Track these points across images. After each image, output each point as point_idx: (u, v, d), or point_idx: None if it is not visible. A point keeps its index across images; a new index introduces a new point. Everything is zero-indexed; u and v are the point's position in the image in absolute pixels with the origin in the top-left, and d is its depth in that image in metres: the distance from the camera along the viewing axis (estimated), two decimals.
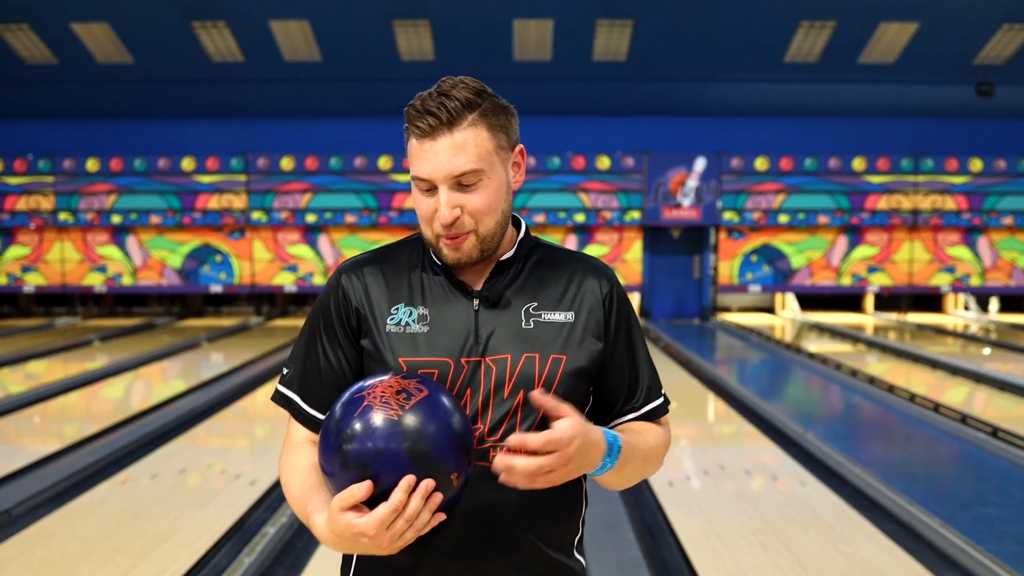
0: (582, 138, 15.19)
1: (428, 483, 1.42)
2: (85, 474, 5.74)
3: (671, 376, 9.70)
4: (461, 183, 1.60)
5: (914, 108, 15.13)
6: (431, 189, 1.62)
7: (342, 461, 1.44)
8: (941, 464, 6.54)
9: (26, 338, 12.88)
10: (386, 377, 1.50)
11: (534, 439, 1.44)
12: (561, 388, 1.64)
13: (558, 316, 1.67)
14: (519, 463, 1.43)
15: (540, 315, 1.67)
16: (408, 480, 1.41)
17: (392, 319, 1.67)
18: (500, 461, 1.44)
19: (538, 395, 1.51)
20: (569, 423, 1.47)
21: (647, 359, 1.78)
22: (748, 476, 5.79)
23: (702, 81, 14.80)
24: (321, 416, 1.69)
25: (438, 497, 1.44)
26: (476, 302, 1.67)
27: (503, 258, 1.70)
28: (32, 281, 15.55)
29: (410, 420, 1.43)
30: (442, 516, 1.47)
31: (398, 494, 1.40)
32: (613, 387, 1.73)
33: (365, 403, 1.45)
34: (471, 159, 1.59)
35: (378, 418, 1.43)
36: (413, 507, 1.41)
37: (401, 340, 1.64)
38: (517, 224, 1.76)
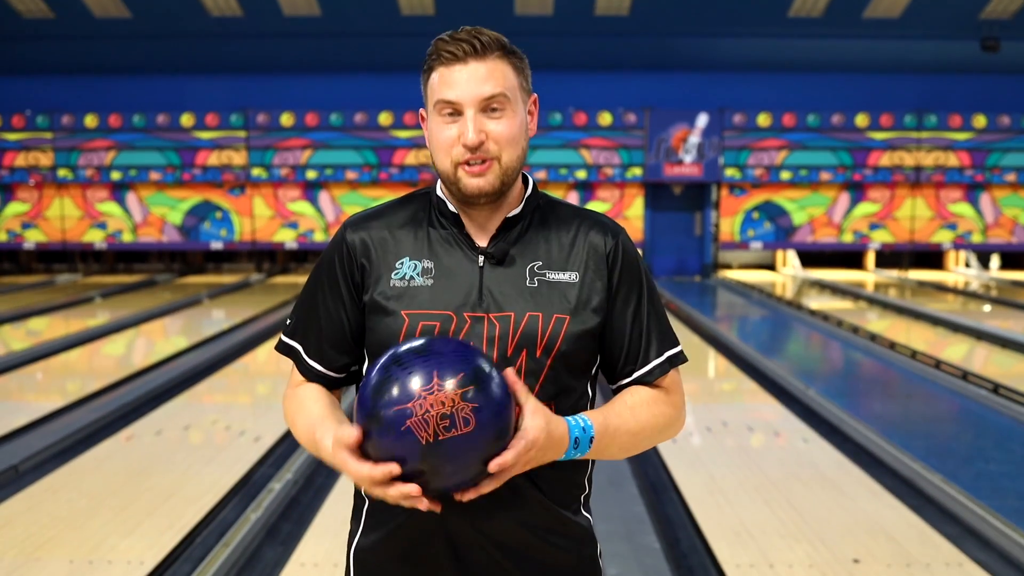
0: (584, 94, 15.08)
1: (411, 490, 1.40)
2: (90, 430, 5.77)
3: None
4: (489, 107, 1.61)
5: (918, 64, 15.01)
6: (455, 114, 1.61)
7: (370, 426, 1.42)
8: (942, 420, 6.57)
9: (27, 295, 12.88)
10: (445, 386, 1.38)
11: (511, 458, 1.42)
12: (564, 348, 1.64)
13: (563, 276, 1.66)
14: (497, 479, 1.44)
15: (545, 274, 1.66)
16: (390, 469, 1.39)
17: (396, 273, 1.67)
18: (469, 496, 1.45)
19: (511, 374, 1.48)
20: (533, 424, 1.46)
21: (656, 316, 1.74)
22: (750, 432, 5.81)
23: (705, 36, 14.68)
24: (321, 368, 1.72)
25: (422, 502, 1.42)
26: (481, 258, 1.66)
27: (510, 215, 1.69)
28: (32, 238, 15.53)
29: (435, 453, 1.38)
30: (437, 507, 1.44)
31: (380, 471, 1.40)
32: (616, 346, 1.71)
33: (408, 405, 1.38)
34: (500, 84, 1.61)
35: (407, 429, 1.37)
36: (392, 493, 1.41)
37: (405, 293, 1.64)
38: (524, 181, 1.75)
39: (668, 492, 4.74)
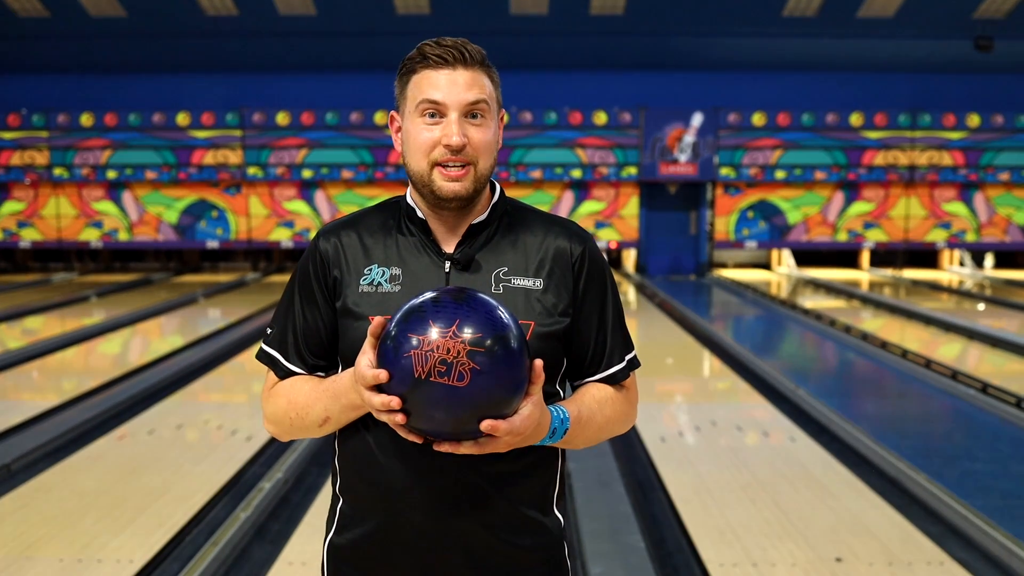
0: (579, 93, 15.10)
1: (396, 417, 1.47)
2: (83, 429, 5.80)
3: (666, 333, 9.75)
4: (471, 113, 1.66)
5: (912, 63, 15.04)
6: (436, 116, 1.66)
7: (385, 339, 1.48)
8: (931, 420, 6.60)
9: (23, 293, 12.91)
10: (460, 336, 1.43)
11: (503, 427, 1.47)
12: (530, 353, 1.67)
13: (527, 282, 1.71)
14: (480, 445, 1.51)
15: (510, 280, 1.71)
16: (389, 400, 1.46)
17: (365, 279, 1.71)
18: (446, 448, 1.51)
19: (539, 365, 1.53)
20: (529, 412, 1.51)
21: (617, 323, 1.80)
22: (740, 432, 5.84)
23: (700, 35, 14.70)
24: (299, 370, 1.76)
25: (403, 430, 1.50)
26: (447, 264, 1.70)
27: (476, 221, 1.73)
28: (28, 236, 15.55)
29: (421, 390, 1.43)
30: (418, 439, 1.51)
31: (380, 398, 1.46)
32: (580, 350, 1.76)
33: (420, 337, 1.43)
34: (483, 92, 1.67)
35: (408, 357, 1.43)
36: (384, 417, 1.49)
37: (373, 299, 1.69)
38: (492, 188, 1.79)
39: (655, 491, 4.77)
